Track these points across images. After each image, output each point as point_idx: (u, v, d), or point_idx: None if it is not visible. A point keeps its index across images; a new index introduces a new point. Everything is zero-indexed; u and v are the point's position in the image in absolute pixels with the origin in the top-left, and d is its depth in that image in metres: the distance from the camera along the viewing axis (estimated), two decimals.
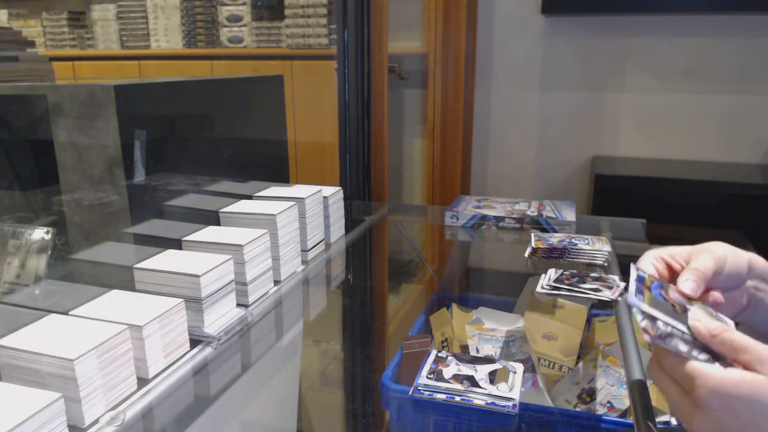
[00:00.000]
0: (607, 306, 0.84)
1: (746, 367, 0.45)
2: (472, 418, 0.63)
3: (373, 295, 1.19)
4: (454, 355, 0.71)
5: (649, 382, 0.68)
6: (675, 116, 2.33)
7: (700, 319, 0.49)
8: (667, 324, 0.49)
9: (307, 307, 1.05)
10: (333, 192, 1.20)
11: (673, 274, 0.59)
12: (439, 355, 0.71)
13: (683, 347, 0.47)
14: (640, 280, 0.56)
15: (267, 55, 2.73)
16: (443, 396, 0.63)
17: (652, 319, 0.49)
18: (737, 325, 0.58)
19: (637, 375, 0.63)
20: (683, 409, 0.47)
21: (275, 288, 0.99)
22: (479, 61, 2.50)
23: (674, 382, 0.48)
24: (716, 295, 0.58)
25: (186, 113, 0.97)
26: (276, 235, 0.98)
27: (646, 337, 0.49)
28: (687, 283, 0.57)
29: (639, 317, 0.49)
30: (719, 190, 2.07)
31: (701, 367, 0.45)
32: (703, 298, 0.57)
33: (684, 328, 0.49)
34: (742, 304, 0.62)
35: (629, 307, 0.52)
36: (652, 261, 0.59)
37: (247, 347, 0.85)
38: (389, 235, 1.54)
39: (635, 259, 0.59)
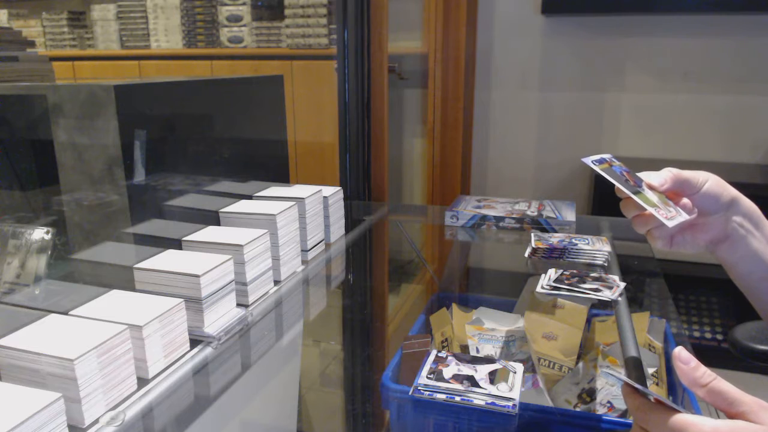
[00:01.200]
0: (607, 306, 0.84)
1: (739, 418, 0.45)
2: (472, 418, 0.63)
3: (373, 295, 1.19)
4: (454, 355, 0.71)
5: (649, 382, 0.68)
6: (675, 116, 2.33)
7: (687, 361, 0.47)
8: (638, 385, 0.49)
9: (307, 307, 1.05)
10: (333, 192, 1.20)
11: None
12: (439, 355, 0.71)
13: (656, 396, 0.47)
14: (602, 161, 0.64)
15: (267, 55, 2.73)
16: (443, 396, 0.63)
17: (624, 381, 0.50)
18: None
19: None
20: None
21: (275, 288, 0.99)
22: (479, 61, 2.50)
23: None
24: (686, 200, 0.62)
25: (186, 113, 0.97)
26: (276, 235, 0.98)
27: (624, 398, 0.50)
28: (655, 175, 0.61)
29: (614, 381, 0.51)
30: None
31: (692, 418, 0.44)
32: (673, 198, 0.62)
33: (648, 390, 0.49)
34: (723, 233, 0.65)
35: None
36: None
37: (247, 347, 0.85)
38: (389, 235, 1.54)
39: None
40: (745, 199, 0.66)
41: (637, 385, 0.48)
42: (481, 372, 0.67)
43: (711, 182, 0.63)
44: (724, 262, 0.68)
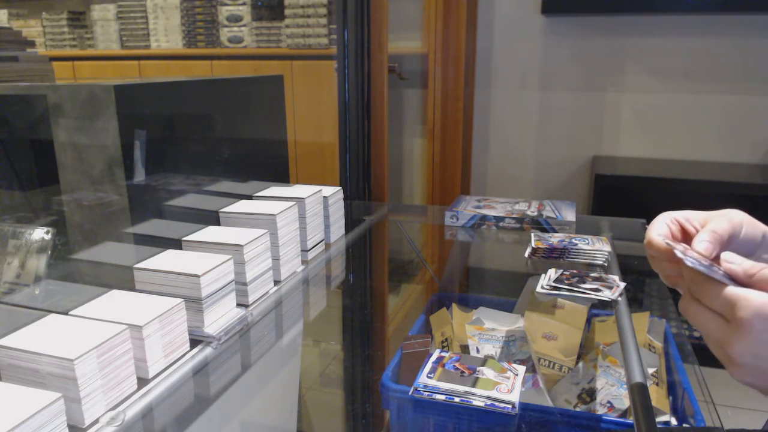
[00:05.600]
0: (607, 306, 0.84)
1: None
2: (471, 418, 0.63)
3: (373, 295, 1.19)
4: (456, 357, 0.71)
5: (649, 382, 0.68)
6: (675, 116, 2.33)
7: (732, 260, 0.50)
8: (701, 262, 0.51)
9: (307, 307, 1.05)
10: (333, 192, 1.20)
11: (686, 237, 0.60)
12: (442, 353, 0.71)
13: (724, 278, 0.49)
14: (437, 361, 0.68)
15: (267, 55, 2.73)
16: (443, 396, 0.63)
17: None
18: None
19: (638, 375, 0.63)
20: (722, 335, 0.48)
21: (275, 288, 0.99)
22: (479, 61, 2.50)
23: (712, 311, 0.49)
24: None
25: (186, 113, 0.97)
26: (276, 235, 0.98)
27: (691, 263, 0.50)
28: (702, 244, 0.58)
29: (678, 254, 0.52)
30: (719, 190, 2.08)
31: (743, 291, 0.47)
32: (716, 261, 0.59)
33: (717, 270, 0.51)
34: None
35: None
36: (666, 222, 0.60)
37: (247, 347, 0.85)
38: (389, 235, 1.54)
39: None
40: None
41: (705, 263, 0.50)
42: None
43: (746, 226, 0.60)
44: None
